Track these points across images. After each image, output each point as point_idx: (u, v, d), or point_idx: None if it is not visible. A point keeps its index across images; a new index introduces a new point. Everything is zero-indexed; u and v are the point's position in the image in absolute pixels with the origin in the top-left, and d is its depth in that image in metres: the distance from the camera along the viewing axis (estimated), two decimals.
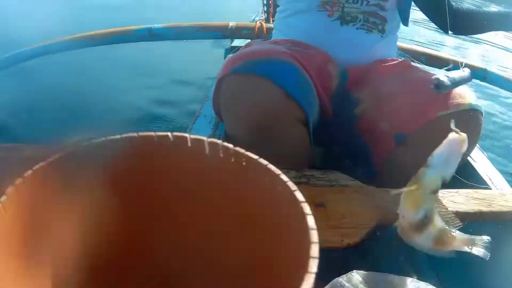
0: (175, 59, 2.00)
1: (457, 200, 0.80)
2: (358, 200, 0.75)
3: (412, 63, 1.05)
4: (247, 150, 0.88)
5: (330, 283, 0.60)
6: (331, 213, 0.72)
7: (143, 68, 1.98)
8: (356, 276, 0.61)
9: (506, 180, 0.98)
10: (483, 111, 0.89)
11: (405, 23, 1.12)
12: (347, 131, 0.99)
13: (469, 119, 0.86)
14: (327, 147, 1.06)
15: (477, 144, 1.05)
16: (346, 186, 0.77)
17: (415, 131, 0.87)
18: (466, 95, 0.87)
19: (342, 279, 0.60)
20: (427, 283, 0.59)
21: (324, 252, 0.39)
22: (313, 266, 0.35)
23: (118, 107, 1.57)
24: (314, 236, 0.39)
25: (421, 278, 0.59)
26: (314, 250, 0.37)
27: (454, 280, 0.94)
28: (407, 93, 0.91)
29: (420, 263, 1.01)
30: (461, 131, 0.84)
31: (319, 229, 0.69)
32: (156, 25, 1.52)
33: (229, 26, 1.59)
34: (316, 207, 0.73)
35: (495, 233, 0.88)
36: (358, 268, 0.61)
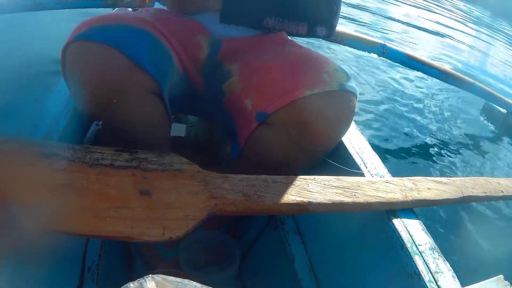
0: (52, 31, 1.87)
1: (312, 188, 0.72)
2: (189, 187, 0.66)
3: (290, 37, 0.98)
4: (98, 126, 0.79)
5: None
6: (156, 202, 0.63)
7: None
8: (150, 282, 0.52)
9: (388, 167, 0.91)
10: (356, 92, 0.82)
11: None
12: (216, 105, 0.92)
13: (338, 100, 0.79)
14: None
15: (356, 127, 0.99)
16: (179, 171, 0.68)
17: (278, 110, 0.79)
18: (336, 74, 0.80)
19: (133, 284, 0.51)
20: None
21: None
22: None
23: None
24: None
25: None
26: None
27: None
28: (274, 69, 0.83)
29: None
30: (329, 112, 0.78)
31: (138, 220, 0.61)
32: None
33: None
34: (141, 194, 0.63)
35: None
36: None
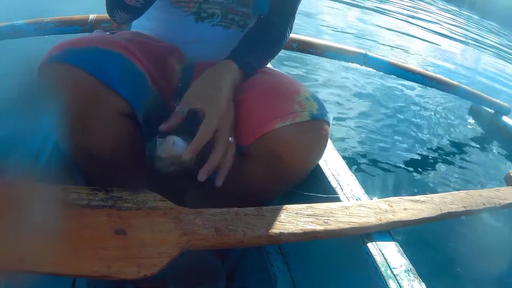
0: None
1: (284, 218, 0.74)
2: (163, 225, 0.68)
3: None
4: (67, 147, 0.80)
5: None
6: (131, 240, 0.65)
7: None
8: None
9: (366, 187, 0.93)
10: (328, 119, 0.83)
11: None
12: (193, 131, 0.93)
13: (310, 129, 0.81)
14: None
15: (333, 147, 1.01)
16: (153, 209, 0.70)
17: (252, 143, 0.82)
18: (307, 103, 0.81)
19: None
20: None
21: None
22: None
23: None
24: None
25: None
26: None
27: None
28: (247, 101, 0.85)
29: None
30: (301, 142, 0.80)
31: (114, 259, 0.63)
32: (19, 21, 1.43)
33: (89, 20, 1.52)
34: (116, 234, 0.66)
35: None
36: None
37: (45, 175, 0.83)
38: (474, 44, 6.42)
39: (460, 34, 6.92)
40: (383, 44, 4.43)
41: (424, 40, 5.49)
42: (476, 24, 9.42)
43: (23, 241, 0.62)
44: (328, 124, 0.84)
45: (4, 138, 1.17)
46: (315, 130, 0.81)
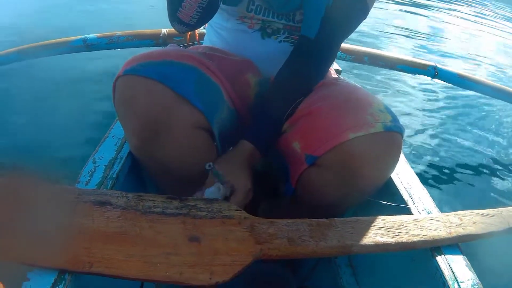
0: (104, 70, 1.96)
1: (356, 230, 0.74)
2: (236, 234, 0.69)
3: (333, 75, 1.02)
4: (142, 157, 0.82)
5: None
6: (205, 248, 0.66)
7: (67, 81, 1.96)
8: None
9: (438, 199, 0.91)
10: (401, 131, 0.82)
11: None
12: None
13: (383, 141, 0.79)
14: None
15: (405, 161, 0.99)
16: (227, 218, 0.71)
17: (325, 153, 0.80)
18: (380, 115, 0.80)
19: None
20: None
21: None
22: None
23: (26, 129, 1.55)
24: None
25: None
26: None
27: None
28: (319, 112, 0.84)
29: None
30: (374, 153, 0.79)
31: (187, 265, 0.64)
32: (90, 35, 1.48)
33: (161, 34, 1.55)
34: (190, 241, 0.67)
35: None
36: None
37: (118, 183, 0.85)
38: None
39: None
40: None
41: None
42: None
43: (94, 244, 0.64)
44: (402, 136, 0.82)
45: (78, 146, 1.22)
46: (388, 141, 0.80)
